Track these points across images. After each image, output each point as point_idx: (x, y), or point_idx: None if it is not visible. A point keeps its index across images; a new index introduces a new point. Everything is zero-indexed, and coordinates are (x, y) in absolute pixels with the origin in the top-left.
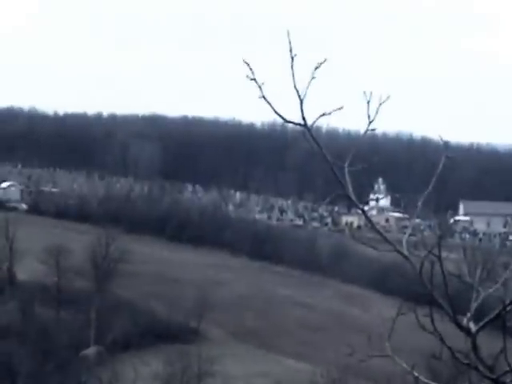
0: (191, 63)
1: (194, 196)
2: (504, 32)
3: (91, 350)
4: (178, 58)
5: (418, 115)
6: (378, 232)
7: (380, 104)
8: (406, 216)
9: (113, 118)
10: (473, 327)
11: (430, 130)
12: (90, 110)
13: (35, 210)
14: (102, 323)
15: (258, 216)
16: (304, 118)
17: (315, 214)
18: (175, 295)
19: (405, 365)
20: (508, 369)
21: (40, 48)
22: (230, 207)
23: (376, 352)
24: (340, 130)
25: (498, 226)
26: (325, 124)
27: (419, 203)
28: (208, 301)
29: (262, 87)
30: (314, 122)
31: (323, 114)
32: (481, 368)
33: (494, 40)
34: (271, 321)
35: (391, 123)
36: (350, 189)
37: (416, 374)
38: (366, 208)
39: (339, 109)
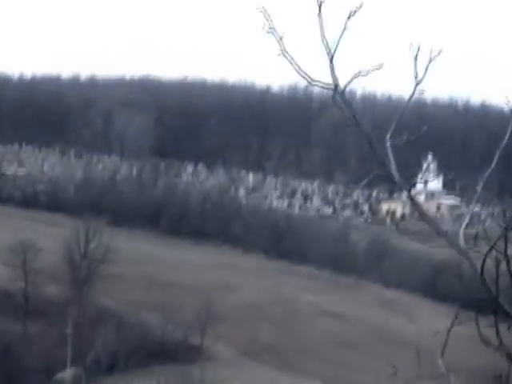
0: (191, 13)
1: (196, 179)
2: None
3: (67, 374)
4: (175, 8)
5: (476, 77)
6: (430, 222)
7: (430, 60)
8: (462, 202)
9: (93, 83)
10: None
11: (491, 94)
12: (65, 72)
13: None
14: (81, 339)
15: (275, 203)
16: (335, 79)
17: (348, 201)
18: (172, 304)
19: None
20: None
21: None
22: (241, 192)
23: (426, 372)
24: (378, 95)
25: None
26: (360, 87)
27: (479, 186)
28: (213, 310)
29: (282, 40)
30: (348, 83)
31: (358, 75)
32: None
33: None
34: (293, 335)
35: (443, 87)
36: (394, 167)
37: None
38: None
39: (378, 67)
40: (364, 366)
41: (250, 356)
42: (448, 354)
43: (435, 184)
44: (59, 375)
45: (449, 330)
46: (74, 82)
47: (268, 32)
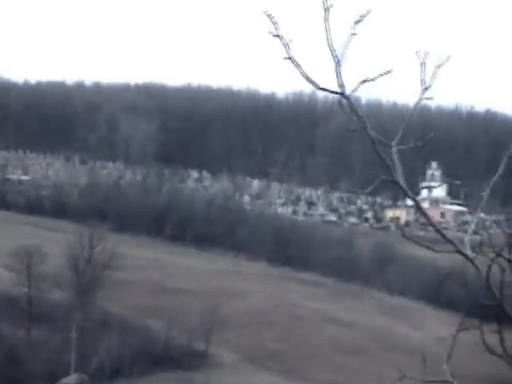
0: (196, 19)
1: (200, 185)
2: None
3: (71, 379)
4: (180, 14)
5: (480, 84)
6: (436, 228)
7: (438, 66)
8: (467, 209)
9: (97, 88)
10: None
11: (495, 102)
12: (70, 78)
13: (0, 203)
14: (85, 345)
15: (280, 210)
16: (342, 85)
17: (352, 207)
18: (176, 310)
19: None
20: None
21: (7, 4)
22: (246, 199)
23: (430, 378)
24: (384, 102)
25: None
26: (365, 94)
27: (484, 193)
28: (218, 317)
29: (289, 46)
30: (355, 89)
31: (365, 80)
32: None
33: None
34: (297, 342)
35: (448, 94)
36: (400, 173)
37: None
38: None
39: (386, 73)
40: (368, 372)
41: (255, 362)
42: (452, 360)
43: (440, 191)
44: (63, 381)
45: (454, 337)
46: (79, 87)
47: (274, 37)
